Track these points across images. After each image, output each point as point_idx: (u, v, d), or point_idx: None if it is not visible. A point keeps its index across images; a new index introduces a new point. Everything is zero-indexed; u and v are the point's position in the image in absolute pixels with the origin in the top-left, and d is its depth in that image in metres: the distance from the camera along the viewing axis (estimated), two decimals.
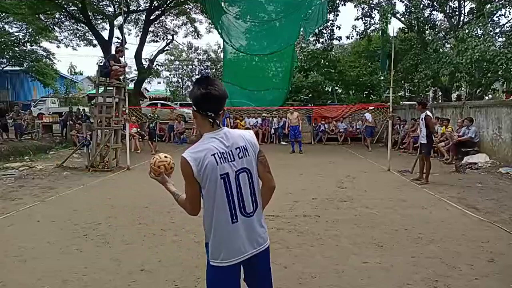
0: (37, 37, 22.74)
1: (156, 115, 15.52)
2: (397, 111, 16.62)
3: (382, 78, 20.41)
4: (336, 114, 17.17)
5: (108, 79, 9.75)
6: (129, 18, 20.34)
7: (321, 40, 18.33)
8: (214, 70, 36.34)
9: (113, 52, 12.30)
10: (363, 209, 5.59)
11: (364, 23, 16.83)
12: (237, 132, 1.87)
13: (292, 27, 13.57)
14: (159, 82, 40.92)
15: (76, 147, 11.55)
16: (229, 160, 1.77)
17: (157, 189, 7.36)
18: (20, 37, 23.64)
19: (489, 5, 12.53)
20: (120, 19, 17.93)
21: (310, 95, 22.36)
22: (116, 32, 18.97)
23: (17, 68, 26.70)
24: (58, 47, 72.98)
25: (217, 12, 13.58)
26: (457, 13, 15.50)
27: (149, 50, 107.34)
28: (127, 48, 18.79)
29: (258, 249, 1.85)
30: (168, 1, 18.46)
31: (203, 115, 1.78)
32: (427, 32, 16.29)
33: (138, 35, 21.57)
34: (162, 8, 18.91)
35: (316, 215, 5.27)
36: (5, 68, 27.43)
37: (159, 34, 21.64)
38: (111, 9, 18.93)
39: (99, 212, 5.49)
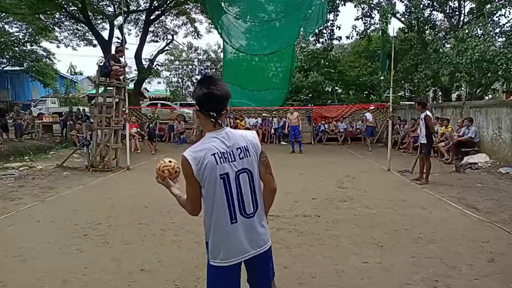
0: (37, 37, 22.75)
1: (155, 115, 15.52)
2: (397, 111, 16.62)
3: (382, 78, 20.42)
4: (336, 114, 17.18)
5: (108, 79, 9.75)
6: (129, 18, 20.34)
7: (321, 40, 18.34)
8: (214, 70, 36.34)
9: (113, 52, 12.30)
10: (363, 209, 5.59)
11: (364, 23, 16.85)
12: (239, 133, 1.87)
13: (292, 27, 13.56)
14: (159, 82, 40.94)
15: (76, 147, 11.55)
16: (230, 160, 1.77)
17: (157, 189, 7.35)
18: (20, 37, 23.67)
19: (489, 5, 12.53)
20: (120, 19, 17.94)
21: (310, 95, 22.37)
22: (116, 32, 18.99)
23: (17, 68, 26.71)
24: (58, 47, 73.25)
25: (217, 12, 13.58)
26: (457, 13, 15.50)
27: (149, 50, 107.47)
28: (127, 48, 18.82)
29: (259, 251, 1.84)
30: (168, 1, 18.46)
31: (206, 114, 1.78)
32: (427, 32, 16.29)
33: (138, 35, 21.62)
34: (162, 8, 18.91)
35: (316, 215, 5.27)
36: (5, 68, 27.44)
37: (159, 34, 21.64)
38: (111, 9, 18.94)
39: (99, 212, 5.49)
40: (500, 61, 10.76)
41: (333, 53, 21.40)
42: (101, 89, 10.59)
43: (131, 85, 19.26)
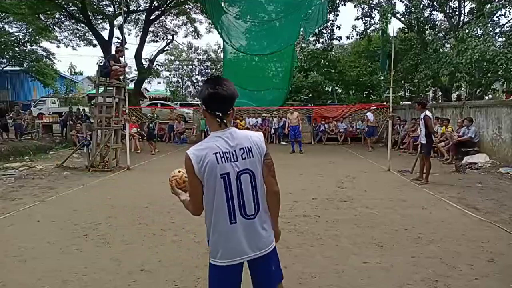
0: (37, 37, 22.75)
1: (155, 115, 15.52)
2: (397, 111, 16.62)
3: (382, 78, 20.41)
4: (336, 114, 17.19)
5: (108, 79, 9.76)
6: (129, 18, 20.34)
7: (321, 40, 18.34)
8: (214, 70, 36.36)
9: (113, 52, 12.31)
10: (363, 209, 5.59)
11: (364, 23, 16.85)
12: (244, 133, 1.86)
13: (292, 27, 13.55)
14: (159, 82, 40.93)
15: (76, 147, 11.56)
16: (231, 160, 1.76)
17: (157, 189, 7.39)
18: (20, 37, 23.67)
19: (489, 5, 12.53)
20: (120, 19, 17.94)
21: (310, 95, 22.36)
22: (116, 32, 19.00)
23: (17, 68, 26.71)
24: (58, 47, 73.28)
25: (217, 12, 13.57)
26: (457, 13, 15.50)
27: (149, 50, 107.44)
28: (127, 48, 18.84)
29: (259, 253, 1.82)
30: (168, 1, 18.46)
31: (212, 114, 1.78)
32: (427, 32, 16.29)
33: (138, 35, 21.63)
34: (162, 8, 18.92)
35: (316, 215, 5.27)
36: (5, 68, 27.43)
37: (159, 34, 21.65)
38: (111, 9, 18.94)
39: (99, 212, 5.49)
40: (500, 61, 10.76)
41: (333, 53, 21.39)
42: (101, 89, 10.59)
43: (131, 85, 19.27)
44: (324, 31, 17.48)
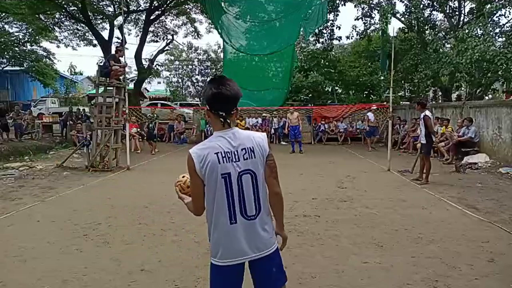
0: (37, 37, 22.75)
1: (155, 115, 15.52)
2: (397, 111, 16.62)
3: (382, 78, 20.41)
4: (336, 114, 17.19)
5: (108, 79, 9.76)
6: (129, 18, 20.35)
7: (321, 40, 18.34)
8: (214, 70, 36.37)
9: (113, 52, 12.31)
10: (363, 209, 5.59)
11: (364, 23, 16.85)
12: (247, 133, 1.85)
13: (292, 27, 13.55)
14: (159, 82, 40.93)
15: (76, 147, 11.56)
16: (233, 160, 1.76)
17: (157, 189, 7.38)
18: (20, 37, 23.67)
19: (489, 5, 12.53)
20: (120, 19, 17.95)
21: (310, 95, 22.37)
22: (116, 32, 19.01)
23: (17, 68, 26.71)
24: (58, 47, 73.27)
25: (217, 12, 13.57)
26: (457, 13, 15.50)
27: (149, 50, 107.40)
28: (127, 48, 18.83)
29: (259, 254, 1.81)
30: (168, 1, 18.47)
31: (215, 114, 1.79)
32: (427, 32, 16.29)
33: (138, 35, 21.64)
34: (162, 8, 18.93)
35: (316, 215, 5.27)
36: (5, 68, 27.44)
37: (159, 34, 21.66)
38: (111, 9, 18.95)
39: (99, 212, 5.49)
40: (500, 61, 10.76)
41: (333, 53, 21.39)
42: (101, 89, 10.60)
43: (131, 85, 19.28)
44: (324, 31, 17.49)
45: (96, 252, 3.98)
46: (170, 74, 38.77)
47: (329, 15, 16.01)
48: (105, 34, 19.02)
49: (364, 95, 22.54)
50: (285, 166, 9.53)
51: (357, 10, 16.42)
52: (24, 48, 24.57)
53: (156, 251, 3.98)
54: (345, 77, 21.66)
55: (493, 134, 10.10)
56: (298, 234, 4.47)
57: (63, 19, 19.44)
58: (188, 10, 20.45)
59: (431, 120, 7.50)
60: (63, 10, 17.72)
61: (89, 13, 17.65)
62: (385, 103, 16.67)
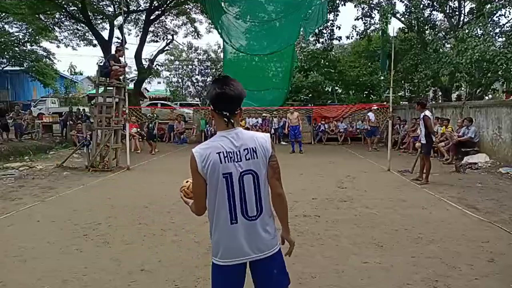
0: (37, 37, 22.76)
1: (155, 115, 15.52)
2: (397, 111, 16.61)
3: (382, 78, 20.42)
4: (336, 114, 17.19)
5: (108, 79, 9.76)
6: (129, 18, 20.36)
7: (321, 40, 18.34)
8: (214, 70, 36.38)
9: (113, 52, 12.31)
10: (363, 209, 5.59)
11: (364, 23, 16.84)
12: (250, 134, 1.85)
13: (292, 27, 13.56)
14: (159, 82, 40.94)
15: (76, 147, 11.56)
16: (235, 160, 1.76)
17: (157, 189, 7.37)
18: (20, 37, 23.68)
19: (489, 5, 12.53)
20: (120, 19, 17.96)
21: (310, 95, 22.38)
22: (116, 32, 19.02)
23: (17, 68, 26.72)
24: (58, 47, 73.29)
25: (217, 12, 13.57)
26: (457, 13, 15.50)
27: (149, 50, 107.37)
28: (127, 48, 18.83)
29: (260, 256, 1.80)
30: (168, 1, 18.47)
31: (219, 114, 1.79)
32: (427, 32, 16.29)
33: (138, 35, 21.66)
34: (162, 8, 18.93)
35: (316, 215, 5.27)
36: (5, 68, 27.44)
37: (159, 34, 21.67)
38: (111, 9, 18.96)
39: (99, 212, 5.49)
40: (500, 61, 10.76)
41: (333, 53, 21.39)
42: (101, 89, 10.60)
43: (131, 85, 19.29)
44: (324, 31, 17.48)
45: (96, 252, 3.98)
46: (170, 74, 38.79)
47: (329, 15, 16.01)
48: (105, 34, 19.04)
49: (364, 95, 22.54)
50: (285, 166, 9.51)
51: (357, 10, 16.44)
52: (24, 48, 24.58)
53: (156, 251, 3.98)
54: (345, 77, 21.66)
55: (493, 134, 10.10)
56: (298, 234, 4.46)
57: (63, 19, 19.45)
58: (188, 10, 20.46)
59: (430, 120, 7.49)
60: (63, 10, 17.73)
61: (89, 13, 17.66)
62: (385, 103, 16.66)
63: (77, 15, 18.16)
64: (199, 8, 18.96)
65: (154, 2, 18.17)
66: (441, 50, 14.44)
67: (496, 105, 10.36)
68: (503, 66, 11.04)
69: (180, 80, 39.31)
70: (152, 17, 19.19)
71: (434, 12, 15.77)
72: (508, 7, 13.09)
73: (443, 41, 16.16)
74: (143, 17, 19.73)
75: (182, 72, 38.55)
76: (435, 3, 14.98)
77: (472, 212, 5.30)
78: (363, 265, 3.59)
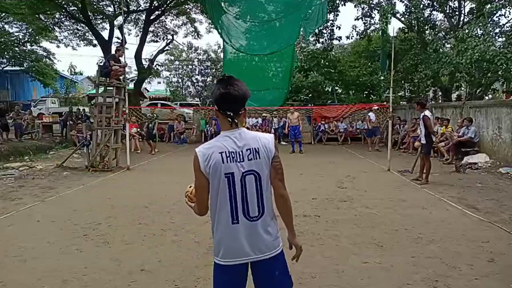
0: (37, 37, 22.77)
1: (154, 115, 15.51)
2: (397, 111, 16.61)
3: (382, 78, 20.42)
4: (336, 114, 17.18)
5: (108, 79, 9.76)
6: (129, 18, 20.36)
7: (321, 40, 18.34)
8: (214, 70, 36.39)
9: (113, 52, 12.31)
10: (363, 209, 5.59)
11: (364, 23, 16.85)
12: (253, 134, 1.85)
13: (292, 27, 13.56)
14: (159, 82, 40.94)
15: (76, 147, 11.56)
16: (237, 160, 1.76)
17: (157, 189, 7.36)
18: (20, 37, 23.69)
19: (489, 5, 12.53)
20: (120, 19, 17.97)
21: (310, 95, 22.38)
22: (116, 32, 19.03)
23: (17, 68, 26.72)
24: (58, 47, 73.36)
25: (217, 12, 13.58)
26: (457, 13, 15.50)
27: (149, 50, 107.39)
28: (127, 48, 18.86)
29: (260, 257, 1.79)
30: (168, 1, 18.47)
31: (223, 114, 1.79)
32: (427, 32, 16.29)
33: (138, 35, 21.66)
34: (162, 8, 18.94)
35: (316, 215, 5.27)
36: (5, 68, 27.44)
37: (159, 34, 21.68)
38: (111, 9, 18.97)
39: (99, 212, 5.49)
40: (500, 61, 10.76)
41: (333, 53, 21.39)
42: (101, 89, 10.60)
43: (131, 85, 19.29)
44: (324, 31, 17.48)
45: (96, 252, 3.98)
46: (170, 74, 38.81)
47: (329, 15, 16.01)
48: (105, 34, 19.04)
49: (364, 95, 22.54)
50: (285, 166, 9.44)
51: (357, 10, 16.44)
52: (24, 48, 24.58)
53: (156, 251, 3.98)
54: (345, 77, 21.66)
55: (493, 134, 10.10)
56: (298, 234, 4.41)
57: (63, 19, 19.45)
58: (188, 10, 20.46)
59: (430, 120, 7.49)
60: (63, 10, 17.73)
61: (89, 13, 17.66)
62: (385, 103, 16.66)
63: (77, 15, 18.16)
64: (199, 8, 18.97)
65: (154, 2, 18.17)
66: (441, 50, 14.44)
67: (496, 105, 10.36)
68: (503, 66, 11.04)
69: (180, 80, 39.33)
70: (152, 17, 19.20)
71: (434, 12, 15.79)
72: (508, 7, 13.10)
73: (443, 41, 16.16)
74: (143, 17, 19.74)
75: (182, 72, 38.57)
76: (435, 3, 14.98)
77: (472, 212, 5.30)
78: (363, 265, 3.59)
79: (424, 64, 14.07)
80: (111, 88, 9.86)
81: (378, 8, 15.21)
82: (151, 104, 23.51)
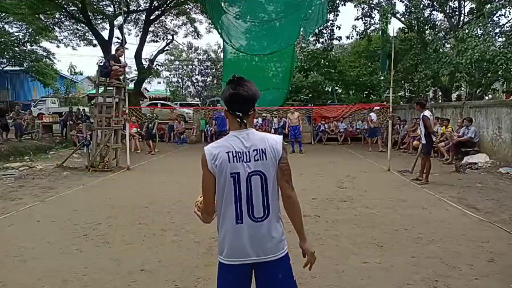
0: (37, 37, 22.77)
1: (154, 115, 15.51)
2: (397, 111, 16.60)
3: (382, 78, 20.42)
4: (336, 114, 17.18)
5: (108, 79, 9.76)
6: (129, 18, 20.37)
7: (321, 40, 18.34)
8: (214, 70, 36.39)
9: (113, 52, 12.31)
10: (363, 209, 5.59)
11: (364, 23, 16.86)
12: (261, 135, 1.85)
13: (292, 27, 13.55)
14: (159, 82, 40.94)
15: (76, 147, 11.56)
16: (244, 160, 1.76)
17: (157, 189, 7.35)
18: (20, 37, 23.68)
19: (489, 5, 12.53)
20: (120, 19, 17.97)
21: (310, 95, 22.39)
22: (116, 32, 19.04)
23: (17, 68, 26.71)
24: (58, 47, 73.24)
25: (217, 12, 13.57)
26: (457, 13, 15.50)
27: (149, 50, 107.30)
28: (127, 48, 18.79)
29: (264, 258, 1.78)
30: (168, 1, 18.48)
31: (233, 114, 1.80)
32: (427, 32, 16.30)
33: (138, 35, 21.67)
34: (162, 8, 18.94)
35: (316, 215, 5.27)
36: (5, 68, 27.43)
37: (159, 34, 21.69)
38: (111, 9, 18.98)
39: (99, 212, 5.49)
40: (500, 61, 10.76)
41: (333, 53, 21.39)
42: (101, 89, 10.59)
43: (131, 85, 19.29)
44: (324, 31, 17.49)
45: (96, 252, 3.98)
46: (170, 74, 38.82)
47: (329, 15, 16.01)
48: (105, 34, 19.05)
49: (364, 95, 22.55)
50: None
51: (357, 10, 16.46)
52: (24, 48, 24.57)
53: (156, 251, 3.98)
54: (345, 77, 21.66)
55: (493, 134, 10.10)
56: None
57: (63, 19, 19.46)
58: (188, 10, 20.47)
59: (430, 120, 7.48)
60: (63, 10, 17.74)
61: (89, 13, 17.66)
62: (385, 103, 16.65)
63: (77, 15, 18.17)
64: (199, 8, 18.97)
65: (154, 2, 18.17)
66: (441, 50, 14.44)
67: (496, 105, 10.36)
68: (503, 66, 11.04)
69: (180, 80, 39.33)
70: (152, 17, 19.20)
71: (434, 12, 15.80)
72: (508, 7, 13.10)
73: (443, 41, 16.16)
74: (143, 17, 19.74)
75: (182, 72, 38.57)
76: (435, 3, 14.98)
77: (472, 212, 5.30)
78: (363, 265, 3.59)
79: (424, 64, 14.07)
80: (111, 88, 9.85)
81: (378, 8, 15.21)
82: (151, 104, 23.50)
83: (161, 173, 9.06)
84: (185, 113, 20.51)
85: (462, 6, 15.30)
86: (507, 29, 13.59)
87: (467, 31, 12.20)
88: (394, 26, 22.99)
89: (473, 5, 14.69)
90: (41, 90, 30.65)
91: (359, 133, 16.62)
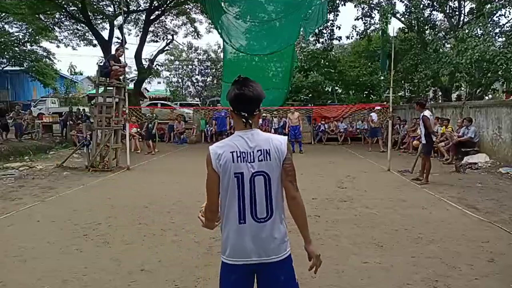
0: (37, 37, 22.78)
1: (154, 115, 15.51)
2: (397, 111, 16.60)
3: (382, 78, 20.42)
4: (336, 114, 17.18)
5: (108, 79, 9.76)
6: (129, 18, 20.37)
7: (321, 40, 18.35)
8: (214, 70, 36.39)
9: (113, 52, 12.31)
10: (363, 209, 5.59)
11: (364, 23, 16.86)
12: (266, 135, 1.85)
13: (292, 27, 13.56)
14: (159, 82, 40.94)
15: (76, 147, 11.56)
16: (248, 160, 1.76)
17: (157, 189, 7.35)
18: (20, 37, 23.68)
19: (489, 5, 12.54)
20: (120, 19, 17.97)
21: (310, 95, 22.39)
22: (116, 32, 19.04)
23: (17, 68, 26.71)
24: (58, 47, 73.21)
25: (217, 12, 13.57)
26: (457, 13, 15.51)
27: (149, 50, 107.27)
28: (127, 48, 18.79)
29: (266, 259, 1.78)
30: (168, 1, 18.48)
31: (238, 115, 1.80)
32: (427, 32, 16.30)
33: (138, 35, 21.68)
34: (162, 8, 18.94)
35: (316, 215, 5.27)
36: (5, 68, 27.43)
37: (159, 34, 21.70)
38: (111, 9, 18.98)
39: (99, 212, 5.49)
40: (500, 61, 10.76)
41: (333, 53, 21.40)
42: (101, 89, 10.59)
43: (131, 85, 19.30)
44: (324, 31, 17.49)
45: (96, 252, 3.98)
46: (170, 74, 38.82)
47: (329, 15, 16.02)
48: (105, 34, 19.05)
49: (364, 95, 22.56)
50: None
51: (357, 10, 16.47)
52: (24, 48, 24.57)
53: (156, 251, 3.98)
54: (345, 77, 21.67)
55: (493, 134, 10.10)
56: (298, 234, 4.44)
57: (63, 19, 19.46)
58: (188, 10, 20.48)
59: (429, 120, 7.48)
60: (63, 10, 17.74)
61: (89, 13, 17.67)
62: (385, 103, 16.64)
63: (77, 15, 18.17)
64: (199, 8, 18.97)
65: (154, 2, 18.18)
66: (441, 50, 14.44)
67: (496, 105, 10.36)
68: (503, 66, 11.04)
69: (180, 80, 39.34)
70: (152, 17, 19.21)
71: (434, 12, 15.80)
72: (508, 7, 13.11)
73: (443, 41, 16.16)
74: (143, 17, 19.75)
75: (182, 72, 38.58)
76: (435, 3, 14.99)
77: (472, 212, 5.30)
78: (363, 265, 3.59)
79: (424, 64, 14.07)
80: (111, 88, 9.85)
81: (378, 8, 15.21)
82: (151, 104, 23.51)
83: (161, 173, 9.06)
84: (185, 113, 20.52)
85: (462, 6, 15.30)
86: (507, 29, 13.60)
87: (467, 31, 12.21)
88: (394, 26, 22.99)
89: (473, 5, 14.70)
90: (41, 90, 30.65)
91: (359, 133, 16.61)
